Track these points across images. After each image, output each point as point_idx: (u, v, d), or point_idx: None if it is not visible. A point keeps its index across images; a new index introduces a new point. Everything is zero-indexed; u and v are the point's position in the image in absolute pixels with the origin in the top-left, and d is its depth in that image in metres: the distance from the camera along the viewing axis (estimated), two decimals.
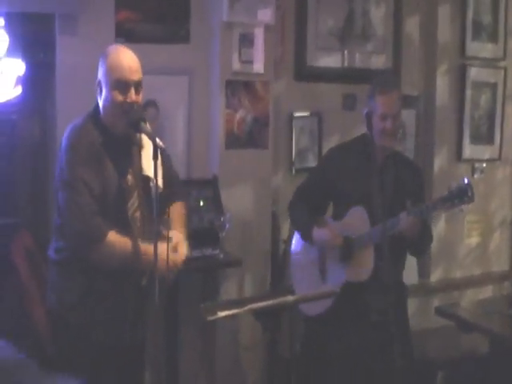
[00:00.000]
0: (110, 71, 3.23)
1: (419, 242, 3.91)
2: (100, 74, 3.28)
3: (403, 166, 4.06)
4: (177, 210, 3.54)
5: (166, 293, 4.24)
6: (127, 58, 3.26)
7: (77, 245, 3.21)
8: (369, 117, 3.87)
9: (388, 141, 3.90)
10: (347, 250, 3.97)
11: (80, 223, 3.15)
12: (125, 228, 3.24)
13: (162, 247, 3.09)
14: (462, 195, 3.56)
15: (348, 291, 3.83)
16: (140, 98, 3.28)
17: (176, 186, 3.62)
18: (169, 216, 3.37)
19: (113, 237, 3.18)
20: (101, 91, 3.28)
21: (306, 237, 4.11)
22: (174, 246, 3.32)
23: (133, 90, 3.23)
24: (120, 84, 3.21)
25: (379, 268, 3.84)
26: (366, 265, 3.90)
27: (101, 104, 3.29)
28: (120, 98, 3.21)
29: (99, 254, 3.17)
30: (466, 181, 3.56)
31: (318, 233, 4.03)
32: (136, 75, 3.25)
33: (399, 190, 3.91)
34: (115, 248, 3.19)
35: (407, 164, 4.15)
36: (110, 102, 3.24)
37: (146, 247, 3.20)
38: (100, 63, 3.29)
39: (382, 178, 3.88)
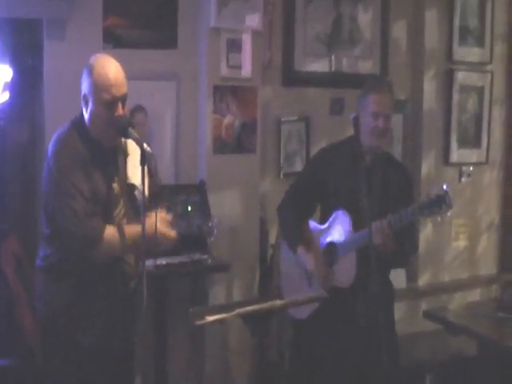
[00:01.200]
0: (96, 88, 3.19)
1: (392, 258, 3.88)
2: (85, 88, 3.24)
3: (391, 167, 4.05)
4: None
5: (153, 296, 4.27)
6: (113, 73, 3.21)
7: (77, 249, 3.20)
8: (356, 121, 3.86)
9: (377, 141, 3.89)
10: (331, 256, 3.99)
11: (77, 228, 3.14)
12: None
13: (150, 220, 3.15)
14: (440, 202, 3.55)
15: (333, 296, 3.84)
16: (126, 111, 3.28)
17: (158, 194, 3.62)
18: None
19: (109, 231, 3.19)
20: (86, 104, 3.26)
21: (292, 250, 4.12)
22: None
23: (120, 105, 3.21)
24: (107, 102, 3.19)
25: (362, 273, 3.84)
26: (349, 270, 3.90)
27: (86, 116, 3.27)
28: (108, 114, 3.19)
29: (101, 253, 3.18)
30: (444, 188, 3.56)
31: (303, 256, 4.02)
32: (122, 89, 3.22)
33: (387, 193, 3.91)
34: (111, 243, 3.20)
35: (395, 165, 4.14)
36: (97, 117, 3.22)
37: (136, 228, 3.20)
38: (84, 75, 3.24)
39: (370, 180, 3.87)
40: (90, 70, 3.22)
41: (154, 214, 3.16)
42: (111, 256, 3.26)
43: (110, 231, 3.20)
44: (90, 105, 3.23)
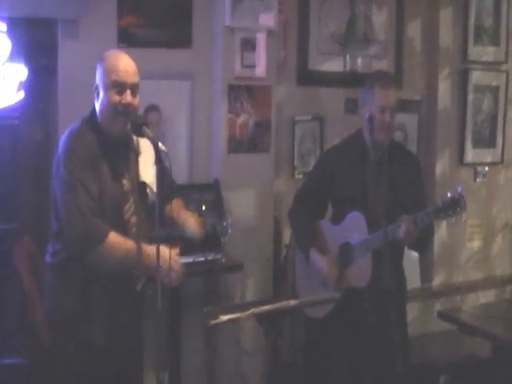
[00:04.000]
0: (106, 74, 3.24)
1: (417, 245, 3.92)
2: (97, 79, 3.29)
3: (399, 158, 4.04)
4: (176, 203, 3.56)
5: (167, 296, 4.26)
6: (123, 61, 3.28)
7: (77, 246, 3.18)
8: (371, 121, 3.84)
9: (383, 135, 3.89)
10: (347, 257, 3.98)
11: (80, 224, 3.13)
12: (121, 232, 3.23)
13: (163, 250, 3.09)
14: (455, 206, 3.54)
15: (348, 296, 3.83)
16: (137, 101, 3.28)
17: (172, 194, 3.61)
18: (170, 211, 3.45)
19: (113, 238, 3.16)
20: (98, 95, 3.29)
21: (304, 255, 4.12)
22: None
23: (128, 92, 3.23)
24: (116, 85, 3.21)
25: (378, 274, 3.83)
26: (364, 270, 3.90)
27: (98, 108, 3.30)
28: (116, 98, 3.22)
29: (98, 256, 3.14)
30: (459, 190, 3.54)
31: (315, 259, 4.04)
32: (132, 78, 3.25)
33: (396, 186, 3.90)
34: (115, 249, 3.16)
35: (403, 155, 4.12)
36: (106, 103, 3.25)
37: (146, 248, 3.19)
38: (97, 68, 3.30)
39: (378, 177, 3.85)
40: (102, 61, 3.29)
41: (167, 248, 3.12)
42: (111, 264, 3.19)
43: (117, 238, 3.17)
44: (101, 93, 3.26)
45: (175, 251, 3.26)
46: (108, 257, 3.16)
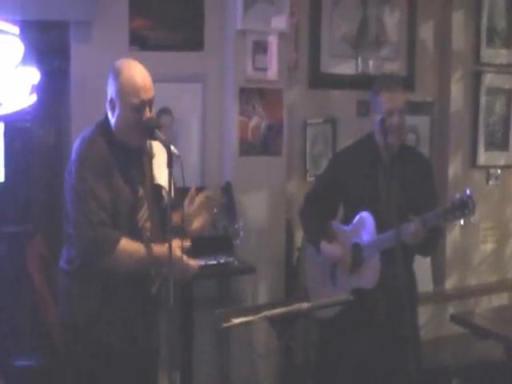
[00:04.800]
0: (124, 93, 3.19)
1: (423, 248, 3.91)
2: (112, 92, 3.23)
3: (411, 160, 4.05)
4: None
5: (179, 297, 4.27)
6: (140, 77, 3.21)
7: (88, 255, 3.19)
8: (383, 124, 3.85)
9: (395, 137, 3.90)
10: (356, 257, 3.98)
11: (89, 235, 3.13)
12: (135, 238, 3.23)
13: (175, 247, 3.11)
14: (463, 208, 3.53)
15: (358, 297, 3.83)
16: (153, 114, 3.27)
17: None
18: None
19: (124, 244, 3.15)
20: (113, 108, 3.25)
21: (315, 249, 4.13)
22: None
23: (148, 109, 3.22)
24: (136, 107, 3.18)
25: (387, 275, 3.84)
26: (373, 271, 3.90)
27: (113, 121, 3.26)
28: (136, 118, 3.19)
29: (111, 263, 3.15)
30: (467, 192, 3.54)
31: (327, 248, 4.06)
32: (150, 93, 3.22)
33: (407, 188, 3.91)
34: (127, 256, 3.16)
35: (415, 157, 4.14)
36: (125, 122, 3.22)
37: (158, 249, 3.20)
38: (111, 80, 3.24)
39: (390, 180, 3.85)
40: (117, 75, 3.22)
41: (177, 241, 3.14)
42: (126, 269, 3.21)
43: (128, 244, 3.17)
44: (117, 110, 3.22)
45: (187, 244, 3.27)
46: (121, 263, 3.17)
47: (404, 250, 3.66)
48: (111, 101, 3.25)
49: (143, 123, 3.19)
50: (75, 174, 3.19)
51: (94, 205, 3.13)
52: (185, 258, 3.21)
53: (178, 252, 3.13)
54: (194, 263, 3.34)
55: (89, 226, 3.12)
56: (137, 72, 3.23)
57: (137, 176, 3.32)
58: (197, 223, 3.47)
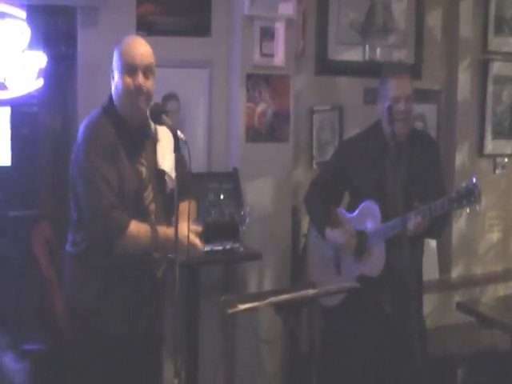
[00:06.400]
0: (120, 57, 3.27)
1: (427, 235, 3.97)
2: (113, 62, 3.32)
3: (418, 144, 4.06)
4: (184, 209, 3.45)
5: (185, 284, 4.27)
6: (137, 44, 3.30)
7: (99, 238, 3.23)
8: (390, 111, 3.84)
9: (403, 125, 3.90)
10: (361, 245, 3.98)
11: (100, 218, 3.17)
12: (141, 219, 3.25)
13: (181, 228, 3.10)
14: (469, 196, 3.55)
15: (362, 285, 3.83)
16: (150, 84, 3.27)
17: (188, 185, 3.58)
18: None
19: (133, 226, 3.19)
20: (113, 78, 3.31)
21: (320, 235, 4.14)
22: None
23: (140, 74, 3.23)
24: (127, 67, 3.23)
25: (391, 263, 3.85)
26: (378, 259, 3.91)
27: (113, 91, 3.31)
28: (128, 80, 3.23)
29: (121, 245, 3.19)
30: (473, 181, 3.55)
31: (332, 234, 4.09)
32: (143, 60, 3.25)
33: (415, 176, 3.91)
34: (137, 237, 3.20)
35: (423, 142, 4.14)
36: (118, 86, 3.27)
37: (166, 230, 3.23)
38: (114, 53, 3.33)
39: (396, 168, 3.85)
40: (118, 46, 3.32)
41: (185, 223, 3.14)
42: (135, 251, 3.25)
43: (136, 226, 3.21)
44: (115, 76, 3.29)
45: (199, 230, 3.32)
46: (131, 245, 3.21)
47: (411, 238, 3.67)
48: (112, 71, 3.32)
49: (135, 88, 3.22)
50: (83, 155, 3.21)
51: (103, 187, 3.16)
52: (192, 236, 3.23)
53: (184, 231, 3.13)
54: (201, 243, 3.35)
55: (100, 209, 3.16)
56: (134, 41, 3.35)
57: (140, 158, 3.34)
58: None
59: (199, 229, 3.36)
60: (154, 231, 3.23)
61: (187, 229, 3.13)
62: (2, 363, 3.92)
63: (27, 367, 4.04)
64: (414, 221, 3.67)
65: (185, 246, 3.14)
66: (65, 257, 3.46)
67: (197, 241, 3.31)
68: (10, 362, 3.96)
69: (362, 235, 4.01)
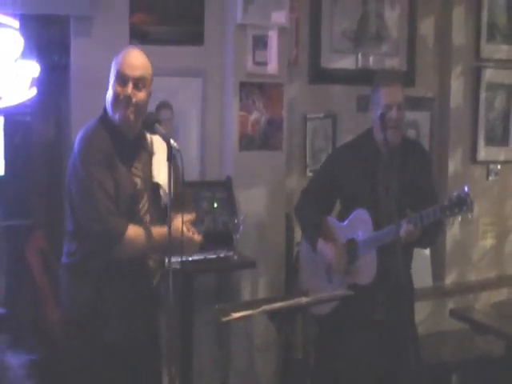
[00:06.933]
0: (114, 66, 3.28)
1: (418, 245, 3.98)
2: (110, 73, 3.32)
3: (410, 153, 4.06)
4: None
5: (180, 292, 4.27)
6: (131, 56, 3.30)
7: (97, 245, 3.23)
8: (383, 118, 3.86)
9: (395, 133, 3.90)
10: (352, 253, 3.99)
11: (98, 225, 3.17)
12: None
13: (176, 223, 3.13)
14: (461, 205, 3.56)
15: (354, 292, 3.83)
16: (141, 96, 3.26)
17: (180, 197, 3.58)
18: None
19: (131, 230, 3.20)
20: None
21: (312, 246, 4.14)
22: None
23: (131, 84, 3.23)
24: (120, 77, 3.24)
25: (383, 271, 3.86)
26: (370, 268, 3.91)
27: (106, 101, 3.32)
28: (118, 89, 3.24)
29: (121, 251, 3.20)
30: (465, 190, 3.57)
31: (323, 248, 4.09)
32: (136, 71, 3.25)
33: (406, 183, 3.91)
34: (135, 241, 3.21)
35: (414, 151, 4.14)
36: (109, 94, 3.28)
37: (162, 230, 3.21)
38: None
39: (387, 176, 3.86)
40: (116, 56, 3.32)
41: (179, 217, 3.15)
42: (134, 255, 3.27)
43: (134, 230, 3.22)
44: (109, 85, 3.30)
45: (188, 219, 3.30)
46: (130, 248, 3.22)
47: (402, 246, 3.68)
48: (108, 82, 3.32)
49: (123, 98, 3.22)
50: (80, 164, 3.21)
51: (101, 195, 3.17)
52: (188, 231, 3.24)
53: (179, 227, 3.14)
54: (198, 236, 3.36)
55: (97, 216, 3.17)
56: (131, 52, 3.34)
57: (135, 169, 3.34)
58: None
59: (192, 216, 3.36)
60: (149, 232, 3.24)
61: (181, 223, 3.14)
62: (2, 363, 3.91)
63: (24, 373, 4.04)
64: (405, 228, 3.68)
65: (181, 241, 3.14)
66: (60, 270, 3.45)
67: (194, 235, 3.32)
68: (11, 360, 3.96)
69: (352, 243, 4.02)
